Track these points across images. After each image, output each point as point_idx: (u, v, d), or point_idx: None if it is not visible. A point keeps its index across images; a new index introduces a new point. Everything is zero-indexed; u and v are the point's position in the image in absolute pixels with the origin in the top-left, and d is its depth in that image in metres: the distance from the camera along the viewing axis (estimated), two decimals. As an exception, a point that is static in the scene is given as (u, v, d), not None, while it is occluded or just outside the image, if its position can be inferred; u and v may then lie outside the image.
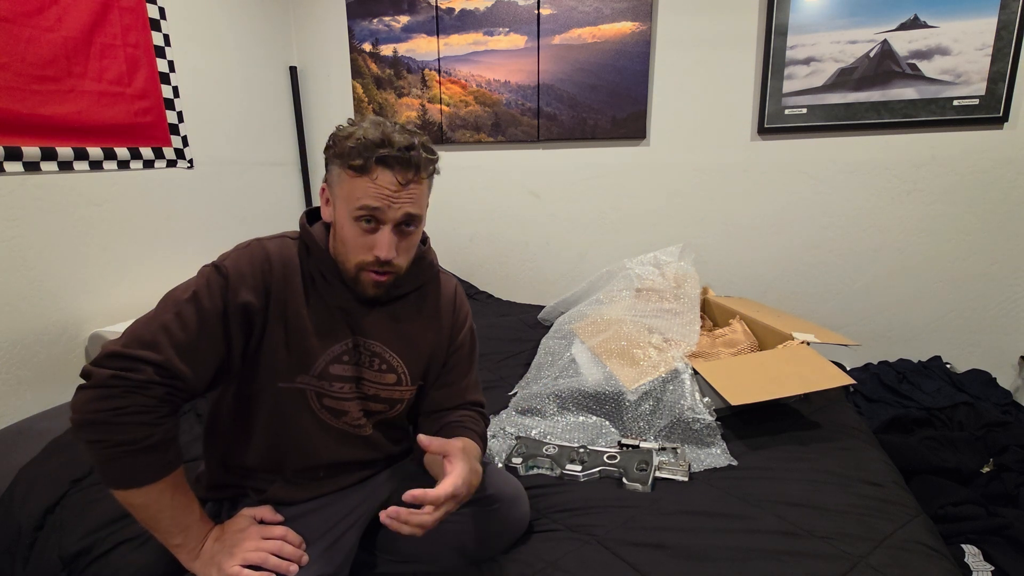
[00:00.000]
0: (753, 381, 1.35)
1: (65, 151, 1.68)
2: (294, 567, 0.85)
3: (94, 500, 1.10)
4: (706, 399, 1.35)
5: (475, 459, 0.90)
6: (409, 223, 0.90)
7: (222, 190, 2.29)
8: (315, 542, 0.90)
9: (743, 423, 1.37)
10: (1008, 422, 1.65)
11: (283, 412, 0.93)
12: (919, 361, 2.10)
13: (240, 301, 0.85)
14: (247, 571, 0.82)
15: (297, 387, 0.92)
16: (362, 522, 0.96)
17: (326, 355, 0.92)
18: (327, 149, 0.90)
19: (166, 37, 1.99)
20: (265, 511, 0.91)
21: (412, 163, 0.86)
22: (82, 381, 0.77)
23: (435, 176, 0.94)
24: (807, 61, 2.06)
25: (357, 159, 0.84)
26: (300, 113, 2.69)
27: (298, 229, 0.97)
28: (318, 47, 2.69)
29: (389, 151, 0.84)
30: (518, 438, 1.35)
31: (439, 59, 2.52)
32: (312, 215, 0.98)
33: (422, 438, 0.84)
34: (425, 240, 1.05)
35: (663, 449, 1.27)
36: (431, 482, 0.99)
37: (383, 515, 0.78)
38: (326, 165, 0.92)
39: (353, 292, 0.94)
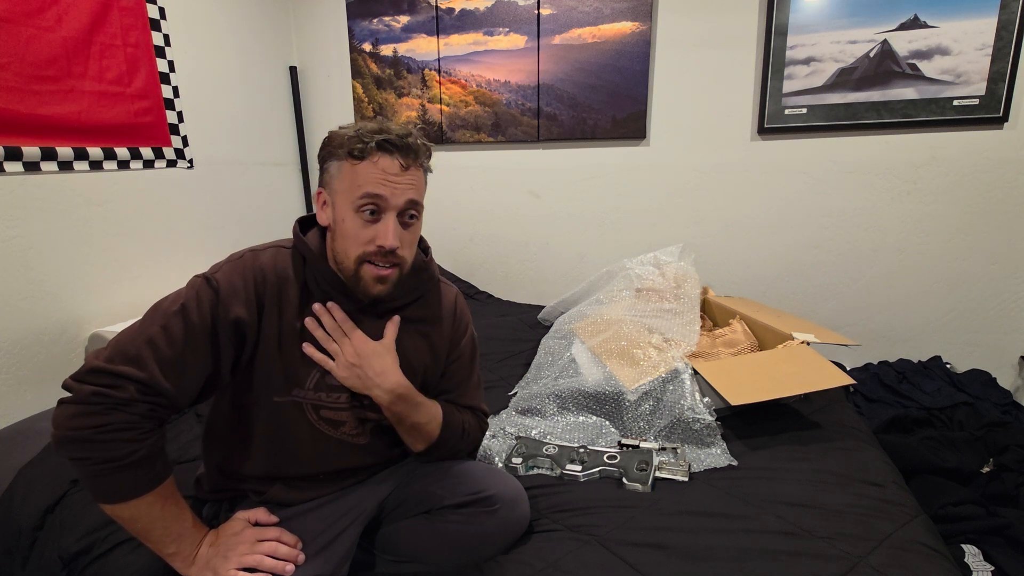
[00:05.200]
0: (753, 381, 1.35)
1: (65, 151, 1.68)
2: (290, 567, 0.85)
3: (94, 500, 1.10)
4: (706, 399, 1.35)
5: (423, 404, 0.97)
6: (411, 212, 0.90)
7: (222, 190, 2.29)
8: (312, 542, 0.90)
9: (743, 423, 1.37)
10: (1008, 422, 1.65)
11: (280, 424, 0.92)
12: (919, 361, 2.10)
13: (231, 316, 0.84)
14: (243, 574, 0.82)
15: (293, 400, 0.91)
16: (360, 522, 0.96)
17: (320, 366, 0.91)
18: (323, 149, 0.91)
19: (166, 37, 1.99)
20: (260, 513, 0.91)
21: (411, 148, 0.88)
22: (64, 394, 0.76)
23: (429, 175, 0.95)
24: (807, 61, 2.06)
25: (358, 144, 0.86)
26: (300, 113, 2.70)
27: (291, 237, 0.95)
28: (318, 47, 2.69)
29: (388, 135, 0.86)
30: (518, 438, 1.35)
31: (439, 59, 2.52)
32: (304, 224, 0.96)
33: None
34: (427, 251, 1.04)
35: (663, 449, 1.26)
36: (429, 480, 0.99)
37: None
38: (321, 166, 0.92)
39: (352, 300, 0.93)
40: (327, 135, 0.91)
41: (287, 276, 0.90)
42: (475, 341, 1.11)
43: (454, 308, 1.07)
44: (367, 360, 0.91)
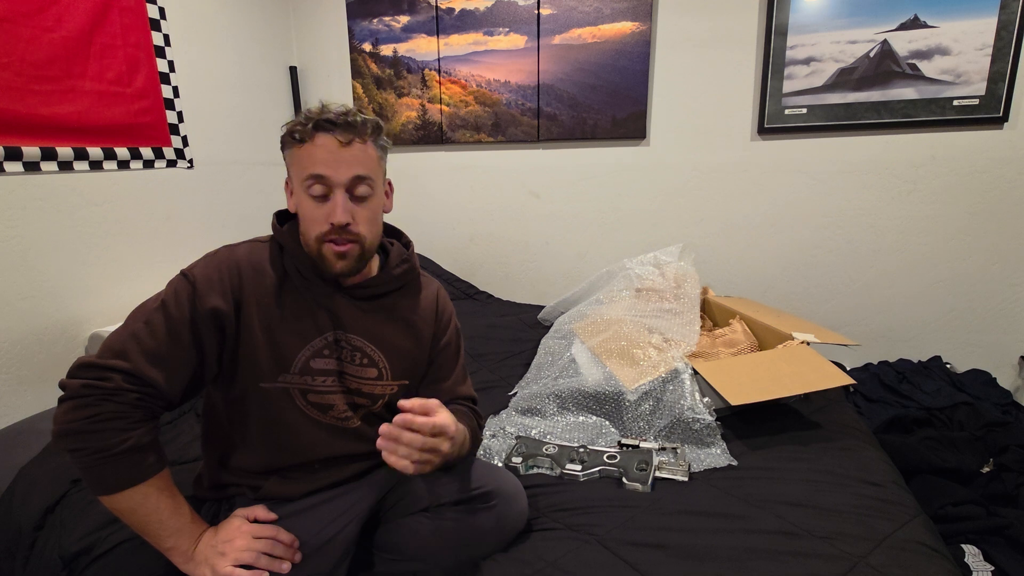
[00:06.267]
0: (753, 381, 1.35)
1: (65, 151, 1.68)
2: (287, 565, 0.86)
3: (94, 500, 1.10)
4: (706, 399, 1.35)
5: (456, 430, 0.91)
6: (361, 187, 0.91)
7: (222, 190, 2.29)
8: (310, 541, 0.90)
9: (743, 423, 1.37)
10: (1008, 422, 1.65)
11: (271, 412, 0.93)
12: (919, 361, 2.10)
13: (208, 307, 0.86)
14: (240, 571, 0.83)
15: (280, 387, 0.92)
16: (358, 521, 0.96)
17: (306, 350, 0.93)
18: (281, 141, 0.95)
19: (166, 37, 1.99)
20: (259, 510, 0.92)
21: (350, 124, 0.90)
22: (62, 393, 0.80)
23: (387, 151, 0.98)
24: (807, 61, 2.06)
25: (298, 128, 0.90)
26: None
27: (271, 232, 0.98)
28: (318, 47, 2.69)
29: (326, 115, 0.89)
30: (518, 438, 1.35)
31: (439, 59, 2.52)
32: (283, 218, 1.00)
33: (403, 402, 0.83)
34: (408, 245, 1.07)
35: (663, 449, 1.26)
36: (427, 478, 1.00)
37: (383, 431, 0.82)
38: (283, 156, 0.96)
39: (331, 284, 0.95)
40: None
41: (263, 266, 0.93)
42: (459, 332, 1.14)
43: (436, 299, 1.09)
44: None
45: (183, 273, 0.90)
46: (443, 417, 0.86)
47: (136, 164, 1.91)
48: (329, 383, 0.95)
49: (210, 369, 0.89)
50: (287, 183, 0.97)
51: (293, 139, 0.90)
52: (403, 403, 0.83)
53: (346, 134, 0.89)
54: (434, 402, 0.86)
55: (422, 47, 2.53)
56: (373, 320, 0.99)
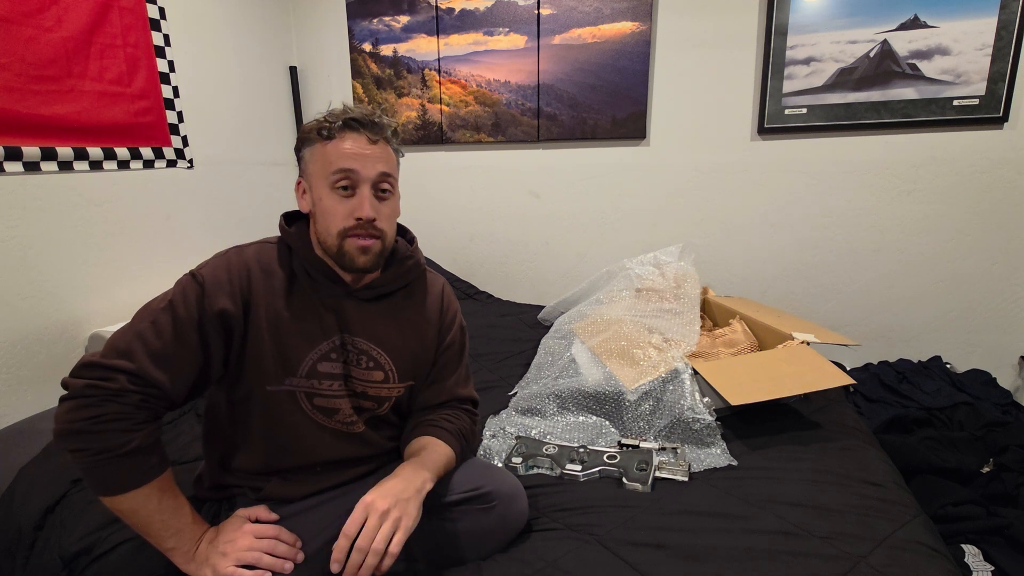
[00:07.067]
0: (753, 381, 1.35)
1: (65, 151, 1.68)
2: (289, 565, 0.85)
3: (94, 500, 1.09)
4: (706, 399, 1.35)
5: (422, 464, 0.90)
6: (385, 184, 0.93)
7: (222, 190, 2.29)
8: (311, 542, 0.90)
9: (743, 423, 1.37)
10: (1008, 422, 1.65)
11: (275, 415, 0.93)
12: (919, 361, 2.10)
13: (217, 308, 0.86)
14: (241, 571, 0.82)
15: (286, 390, 0.92)
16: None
17: (313, 354, 0.93)
18: (297, 141, 0.95)
19: (166, 37, 1.99)
20: (260, 511, 0.92)
21: (375, 124, 0.92)
22: (64, 391, 0.79)
23: (401, 159, 1.00)
24: (807, 61, 2.06)
25: (325, 125, 0.90)
26: (300, 113, 2.70)
27: (279, 234, 0.98)
28: (318, 47, 2.69)
29: (352, 114, 0.91)
30: (518, 438, 1.35)
31: (439, 59, 2.52)
32: (290, 220, 1.00)
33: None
34: (412, 240, 1.07)
35: (663, 449, 1.26)
36: None
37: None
38: (298, 157, 0.96)
39: (339, 284, 0.95)
40: (301, 128, 0.95)
41: (272, 268, 0.93)
42: (464, 330, 1.13)
43: (441, 297, 1.09)
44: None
45: (191, 273, 0.89)
46: (367, 499, 0.82)
47: (136, 164, 1.91)
48: (336, 387, 0.95)
49: (216, 370, 0.89)
50: (299, 183, 0.97)
51: (320, 136, 0.91)
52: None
53: (373, 133, 0.91)
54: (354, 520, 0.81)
55: (422, 47, 2.53)
56: (379, 322, 0.99)
